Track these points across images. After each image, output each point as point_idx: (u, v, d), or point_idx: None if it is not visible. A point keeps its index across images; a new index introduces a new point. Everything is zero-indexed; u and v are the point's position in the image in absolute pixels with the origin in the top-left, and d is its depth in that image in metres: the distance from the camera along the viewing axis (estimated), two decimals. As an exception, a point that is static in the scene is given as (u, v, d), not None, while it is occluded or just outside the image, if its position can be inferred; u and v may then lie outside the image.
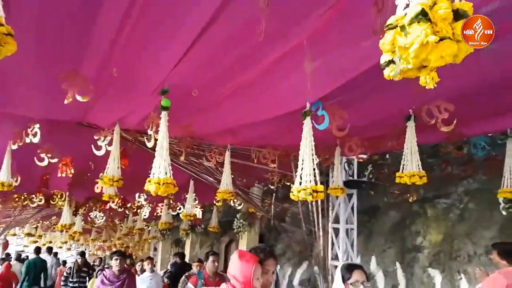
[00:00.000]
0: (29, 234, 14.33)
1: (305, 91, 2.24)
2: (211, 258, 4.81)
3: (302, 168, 2.35)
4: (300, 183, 2.33)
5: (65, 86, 2.76)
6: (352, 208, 5.76)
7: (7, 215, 10.22)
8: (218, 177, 5.65)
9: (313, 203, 5.72)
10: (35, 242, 14.91)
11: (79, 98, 2.78)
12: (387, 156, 5.46)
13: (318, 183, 2.29)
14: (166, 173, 2.49)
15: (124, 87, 2.91)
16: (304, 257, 8.59)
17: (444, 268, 5.22)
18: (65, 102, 2.77)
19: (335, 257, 5.62)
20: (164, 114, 2.55)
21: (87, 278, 7.62)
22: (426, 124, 3.08)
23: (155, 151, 2.75)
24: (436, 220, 5.63)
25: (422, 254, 5.68)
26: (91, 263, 10.52)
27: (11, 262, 10.67)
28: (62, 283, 7.77)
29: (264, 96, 2.67)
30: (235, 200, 8.29)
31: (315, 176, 2.31)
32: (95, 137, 4.04)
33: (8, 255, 13.47)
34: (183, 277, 6.13)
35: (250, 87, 2.51)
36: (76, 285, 7.47)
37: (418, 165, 2.86)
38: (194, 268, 6.21)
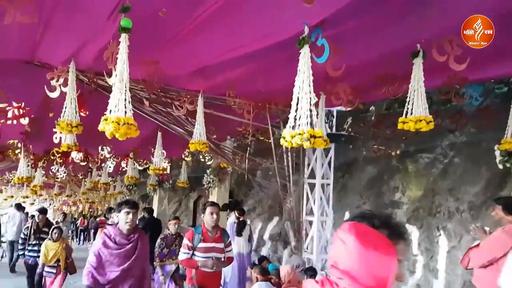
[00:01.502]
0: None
1: (302, 12, 1.78)
2: (208, 210, 3.95)
3: (297, 109, 1.90)
4: (293, 127, 1.90)
5: (3, 4, 2.18)
6: (329, 163, 5.48)
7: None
8: (188, 128, 5.18)
9: (288, 157, 5.39)
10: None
11: (21, 18, 2.22)
12: (372, 107, 5.13)
13: (317, 126, 1.86)
14: (126, 112, 1.99)
15: (75, 8, 2.33)
16: (275, 212, 8.46)
17: (422, 224, 5.11)
18: (5, 22, 2.22)
19: (310, 212, 5.43)
20: (124, 38, 2.00)
21: None
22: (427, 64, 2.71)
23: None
24: (417, 175, 5.45)
25: (400, 210, 5.54)
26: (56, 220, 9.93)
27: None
28: (20, 247, 6.80)
29: (253, 19, 2.15)
30: (206, 155, 7.91)
31: (311, 118, 1.87)
32: (48, 77, 3.46)
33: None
34: (159, 239, 5.55)
35: (234, 7, 1.99)
36: (36, 248, 6.33)
37: (425, 109, 2.47)
38: (172, 227, 5.62)
